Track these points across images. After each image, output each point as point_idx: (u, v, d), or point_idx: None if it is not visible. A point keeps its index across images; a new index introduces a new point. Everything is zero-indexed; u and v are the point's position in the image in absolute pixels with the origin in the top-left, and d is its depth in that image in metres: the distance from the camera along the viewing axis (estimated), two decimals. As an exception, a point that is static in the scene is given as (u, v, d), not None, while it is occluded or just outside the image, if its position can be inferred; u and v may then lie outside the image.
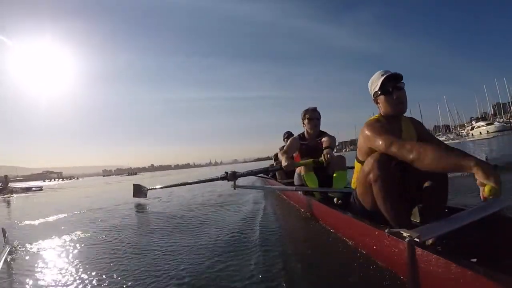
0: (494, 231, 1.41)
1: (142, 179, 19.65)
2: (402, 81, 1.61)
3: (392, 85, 1.58)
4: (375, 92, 1.65)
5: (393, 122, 1.64)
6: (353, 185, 1.77)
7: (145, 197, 4.81)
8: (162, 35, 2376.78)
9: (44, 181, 46.76)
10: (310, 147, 3.03)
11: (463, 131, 52.41)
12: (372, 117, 1.71)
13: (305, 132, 3.10)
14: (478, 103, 68.34)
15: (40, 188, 15.86)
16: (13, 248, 2.21)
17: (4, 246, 2.13)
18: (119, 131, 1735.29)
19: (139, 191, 4.85)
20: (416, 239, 1.03)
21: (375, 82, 1.66)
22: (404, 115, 1.68)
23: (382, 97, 1.62)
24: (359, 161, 1.66)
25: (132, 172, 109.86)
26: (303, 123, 3.08)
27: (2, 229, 2.41)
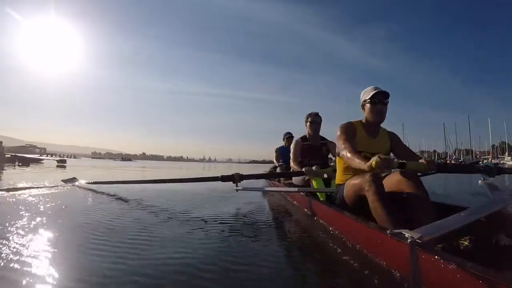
0: (496, 230, 1.49)
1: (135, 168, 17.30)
2: (388, 99, 2.07)
3: (379, 99, 2.05)
4: (365, 100, 2.11)
5: (372, 128, 2.11)
6: (337, 181, 2.19)
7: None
8: (172, 26, 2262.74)
9: (41, 156, 40.29)
10: (313, 146, 3.42)
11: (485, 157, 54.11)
12: (354, 121, 2.17)
13: (307, 134, 3.51)
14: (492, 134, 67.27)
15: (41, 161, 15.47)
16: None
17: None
18: (112, 115, 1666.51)
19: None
20: (417, 240, 1.08)
21: (367, 92, 2.11)
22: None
23: (368, 105, 2.08)
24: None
25: (125, 157, 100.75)
26: (306, 125, 3.52)
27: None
